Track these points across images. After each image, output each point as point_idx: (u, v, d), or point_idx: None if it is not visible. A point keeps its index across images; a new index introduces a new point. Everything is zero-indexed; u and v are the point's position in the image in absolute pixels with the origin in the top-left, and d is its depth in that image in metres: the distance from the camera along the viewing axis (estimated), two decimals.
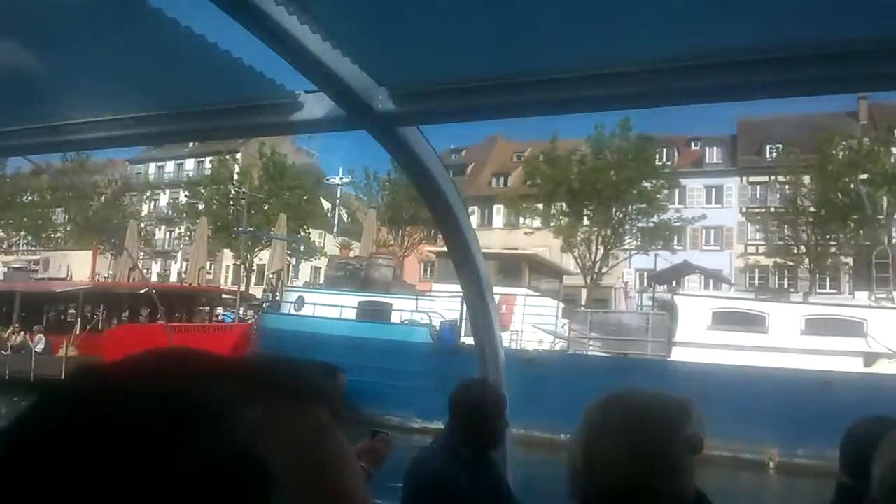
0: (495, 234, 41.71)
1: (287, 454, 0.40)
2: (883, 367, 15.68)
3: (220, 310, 29.08)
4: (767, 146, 43.30)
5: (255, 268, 39.26)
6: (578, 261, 33.90)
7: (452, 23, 1.93)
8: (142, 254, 49.12)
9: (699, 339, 16.99)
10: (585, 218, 33.31)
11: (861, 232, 26.61)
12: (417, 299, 19.51)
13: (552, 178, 32.72)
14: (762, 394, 15.14)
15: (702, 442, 1.41)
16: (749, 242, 40.74)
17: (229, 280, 45.87)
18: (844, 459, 2.29)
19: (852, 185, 26.79)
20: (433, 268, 24.70)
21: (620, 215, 33.12)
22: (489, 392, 2.90)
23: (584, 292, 32.36)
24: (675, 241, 40.10)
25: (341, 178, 36.07)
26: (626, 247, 34.09)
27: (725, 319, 17.12)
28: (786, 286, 32.09)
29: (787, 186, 31.29)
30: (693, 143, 45.96)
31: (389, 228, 39.88)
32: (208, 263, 51.05)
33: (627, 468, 1.34)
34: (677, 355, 17.12)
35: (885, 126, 43.93)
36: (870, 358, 15.87)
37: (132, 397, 0.40)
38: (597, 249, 33.63)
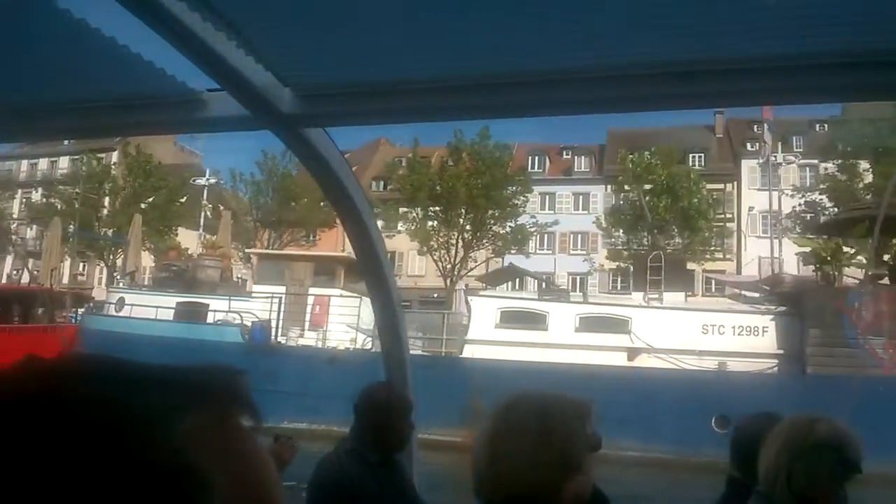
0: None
1: (216, 463, 0.39)
2: (643, 361, 17.08)
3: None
4: (630, 155, 45.61)
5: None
6: (439, 263, 34.95)
7: (361, 25, 1.90)
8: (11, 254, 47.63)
9: (488, 337, 18.06)
10: (445, 222, 34.30)
11: (645, 236, 28.88)
12: (230, 300, 19.87)
13: (412, 183, 33.60)
14: (535, 387, 16.23)
15: (601, 440, 1.46)
16: (612, 247, 42.76)
17: (103, 282, 44.82)
18: (733, 455, 2.42)
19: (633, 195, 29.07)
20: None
21: (479, 220, 34.24)
22: (394, 395, 2.90)
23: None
24: (538, 245, 41.85)
25: (207, 179, 35.94)
26: (484, 250, 35.28)
27: (511, 318, 18.23)
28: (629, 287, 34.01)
29: (630, 194, 33.20)
30: (565, 152, 47.81)
31: (264, 229, 40.01)
32: (82, 265, 49.89)
33: (532, 468, 1.36)
34: (469, 352, 18.13)
35: (739, 139, 47.03)
36: (632, 352, 17.25)
37: (62, 407, 0.38)
38: (456, 253, 34.69)
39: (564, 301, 19.14)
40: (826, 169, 32.93)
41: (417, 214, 34.45)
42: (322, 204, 46.59)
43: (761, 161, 43.78)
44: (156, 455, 0.38)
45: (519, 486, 1.36)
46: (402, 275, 38.76)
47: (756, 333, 16.70)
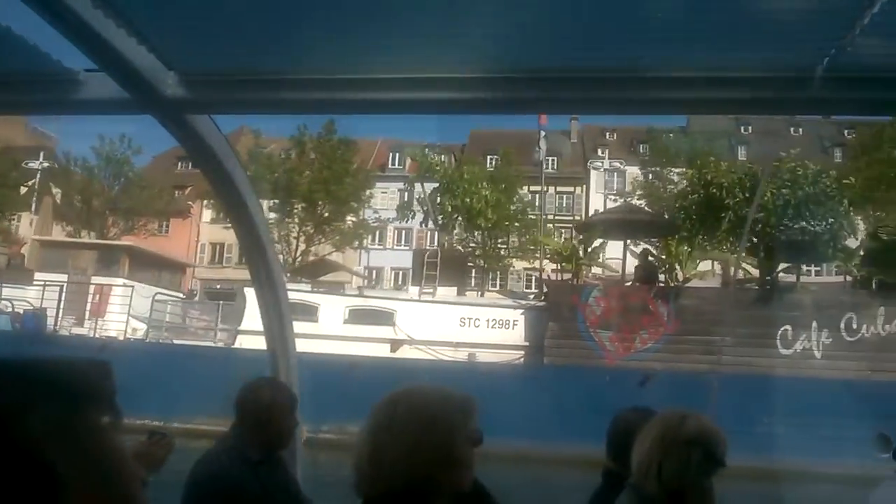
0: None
1: (69, 459, 0.38)
2: (404, 353, 17.71)
3: None
4: (489, 157, 46.85)
5: None
6: (282, 255, 34.83)
7: (254, 11, 1.80)
8: None
9: (261, 328, 18.23)
10: (285, 215, 34.20)
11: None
12: (1, 287, 19.25)
13: (251, 173, 33.31)
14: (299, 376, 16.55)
15: (482, 436, 1.47)
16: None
17: None
18: (609, 447, 2.48)
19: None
20: None
21: (319, 215, 34.31)
22: (279, 391, 2.79)
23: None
24: (395, 241, 42.44)
25: (41, 164, 34.53)
26: (327, 243, 35.40)
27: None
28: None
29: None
30: (427, 150, 48.46)
31: (108, 217, 38.71)
32: None
33: (413, 463, 1.37)
34: (242, 343, 18.28)
35: (592, 145, 49.14)
36: (395, 344, 17.86)
37: None
38: (297, 246, 34.67)
39: (335, 293, 19.58)
40: (646, 175, 34.94)
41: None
42: (177, 194, 45.85)
43: (600, 167, 46.17)
44: (6, 451, 0.37)
45: (399, 482, 1.37)
46: (231, 266, 38.57)
47: (507, 326, 17.63)
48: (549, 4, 1.99)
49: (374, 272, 43.28)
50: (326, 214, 34.25)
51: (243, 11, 1.89)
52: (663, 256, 19.41)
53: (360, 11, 1.87)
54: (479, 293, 24.17)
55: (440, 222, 25.58)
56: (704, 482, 2.00)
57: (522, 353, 17.38)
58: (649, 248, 17.65)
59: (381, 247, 42.39)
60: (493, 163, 45.09)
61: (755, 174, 15.73)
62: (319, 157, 33.73)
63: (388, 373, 16.82)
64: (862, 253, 16.73)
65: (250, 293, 19.13)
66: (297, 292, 19.73)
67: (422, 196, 24.68)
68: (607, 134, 49.11)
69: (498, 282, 34.22)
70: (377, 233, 43.38)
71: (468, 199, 23.93)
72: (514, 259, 32.04)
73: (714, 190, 15.52)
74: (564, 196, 46.07)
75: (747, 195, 15.39)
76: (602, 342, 16.43)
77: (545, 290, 18.35)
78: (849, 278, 16.83)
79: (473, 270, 32.47)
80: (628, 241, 18.65)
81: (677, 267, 18.91)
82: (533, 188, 46.78)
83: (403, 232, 43.22)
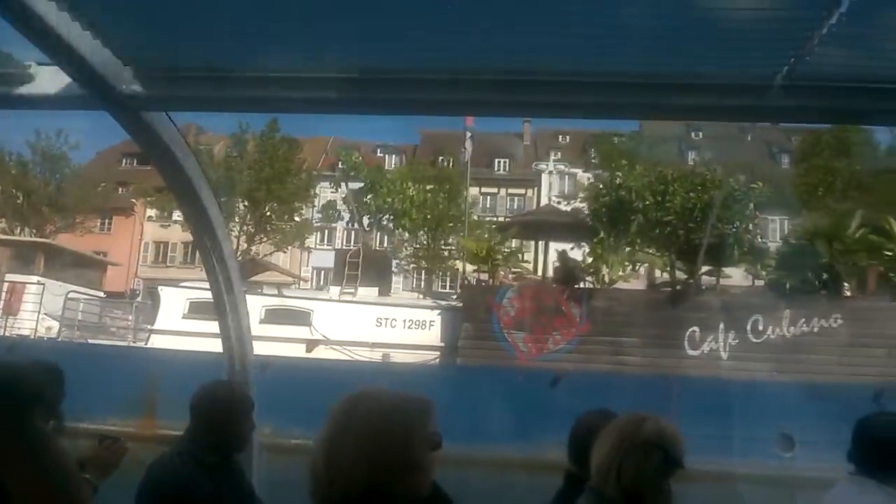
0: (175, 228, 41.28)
1: (8, 466, 0.33)
2: (320, 353, 17.54)
3: None
4: (440, 157, 46.85)
5: None
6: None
7: (213, 6, 1.77)
8: None
9: (176, 327, 17.94)
10: (227, 214, 33.76)
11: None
12: None
13: None
14: (206, 377, 16.28)
15: (441, 439, 1.45)
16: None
17: None
18: (570, 450, 2.49)
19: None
20: None
21: (260, 214, 33.96)
22: (235, 394, 2.78)
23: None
24: (345, 241, 42.13)
25: None
26: (269, 243, 35.05)
27: (199, 309, 18.20)
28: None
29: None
30: (379, 151, 48.36)
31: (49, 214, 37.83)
32: None
33: (369, 468, 1.35)
34: (155, 343, 17.95)
35: (545, 147, 49.43)
36: (311, 344, 17.68)
37: None
38: (238, 245, 34.22)
39: (253, 293, 19.31)
40: (589, 178, 35.19)
41: None
42: (121, 191, 44.99)
43: (544, 169, 46.42)
44: None
45: (356, 487, 1.34)
46: (175, 265, 38.03)
47: (424, 327, 17.56)
48: (512, 8, 1.98)
49: (322, 272, 43.04)
50: (269, 213, 33.90)
51: (202, 8, 1.85)
52: (591, 259, 19.57)
53: (318, 10, 1.85)
54: (422, 295, 24.06)
55: (366, 222, 25.44)
56: (663, 484, 2.01)
57: (438, 353, 17.32)
58: (566, 250, 17.71)
59: (329, 247, 42.07)
60: (445, 164, 45.33)
61: (665, 178, 15.86)
62: (260, 156, 33.39)
63: (300, 373, 16.66)
64: (778, 256, 17.01)
65: (165, 292, 18.87)
66: (209, 291, 19.47)
67: (346, 196, 24.47)
68: (560, 137, 49.46)
69: (448, 284, 34.27)
70: (325, 233, 43.19)
71: (390, 199, 23.82)
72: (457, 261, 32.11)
73: (623, 193, 15.62)
74: (516, 198, 46.26)
75: (658, 198, 15.51)
76: (515, 343, 16.43)
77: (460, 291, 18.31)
78: (759, 282, 17.10)
79: (419, 272, 32.55)
80: (548, 242, 18.73)
81: (605, 269, 19.07)
82: (485, 189, 47.11)
83: (353, 232, 43.06)
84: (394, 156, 47.10)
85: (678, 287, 17.07)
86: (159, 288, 18.75)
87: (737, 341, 15.90)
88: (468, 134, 24.16)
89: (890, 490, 2.60)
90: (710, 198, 15.47)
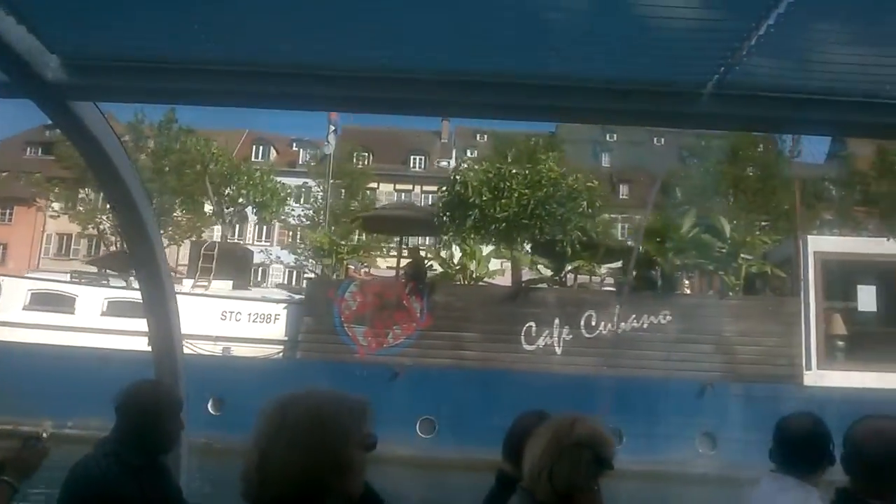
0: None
1: None
2: None
3: None
4: (356, 153, 46.68)
5: None
6: (115, 247, 33.55)
7: None
8: None
9: (16, 319, 17.44)
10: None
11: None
12: None
13: (77, 162, 31.98)
14: (41, 370, 15.84)
15: (375, 440, 1.42)
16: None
17: None
18: (504, 449, 2.48)
19: None
20: None
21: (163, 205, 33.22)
22: (162, 393, 2.71)
23: None
24: (256, 236, 41.63)
25: None
26: (164, 235, 34.33)
27: (40, 301, 17.75)
28: None
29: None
30: (294, 145, 47.93)
31: None
32: None
33: (303, 470, 1.31)
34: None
35: (462, 145, 49.67)
36: None
37: None
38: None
39: (94, 285, 18.94)
40: None
41: (87, 195, 32.92)
42: (23, 181, 43.55)
43: (446, 167, 46.61)
44: None
45: (289, 488, 1.31)
46: (81, 258, 36.95)
47: (269, 321, 17.43)
48: (450, 9, 1.98)
49: (261, 269, 42.36)
50: (166, 206, 33.22)
51: None
52: (458, 255, 19.72)
53: (249, 2, 1.84)
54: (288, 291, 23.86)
55: (226, 214, 25.17)
56: (593, 484, 2.01)
57: (281, 347, 17.22)
58: (417, 246, 17.79)
59: (241, 241, 41.50)
60: (360, 160, 45.19)
61: (504, 174, 16.06)
62: (156, 147, 32.76)
63: (138, 366, 16.37)
64: (612, 254, 17.39)
65: (5, 283, 18.31)
66: (52, 282, 19.01)
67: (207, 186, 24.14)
68: (478, 136, 49.76)
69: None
70: (237, 226, 42.48)
71: (245, 191, 23.62)
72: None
73: (460, 188, 15.77)
74: (430, 195, 46.31)
75: (496, 194, 15.68)
76: (355, 337, 16.44)
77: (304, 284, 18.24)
78: (594, 278, 17.46)
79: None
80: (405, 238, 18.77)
81: (471, 265, 19.23)
82: (400, 186, 47.10)
83: (264, 228, 42.56)
84: (308, 150, 46.66)
85: (523, 284, 17.32)
86: (1, 279, 18.18)
87: (571, 336, 16.21)
88: (331, 128, 24.03)
89: (808, 486, 2.68)
90: (546, 195, 15.70)
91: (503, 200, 15.45)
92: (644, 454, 15.20)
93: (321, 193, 30.12)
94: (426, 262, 18.05)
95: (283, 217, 27.44)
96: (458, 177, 16.32)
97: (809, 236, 16.30)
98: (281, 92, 2.19)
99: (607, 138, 49.95)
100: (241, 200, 24.28)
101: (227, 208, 25.17)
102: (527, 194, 15.51)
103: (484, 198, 15.44)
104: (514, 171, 15.90)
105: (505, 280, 20.73)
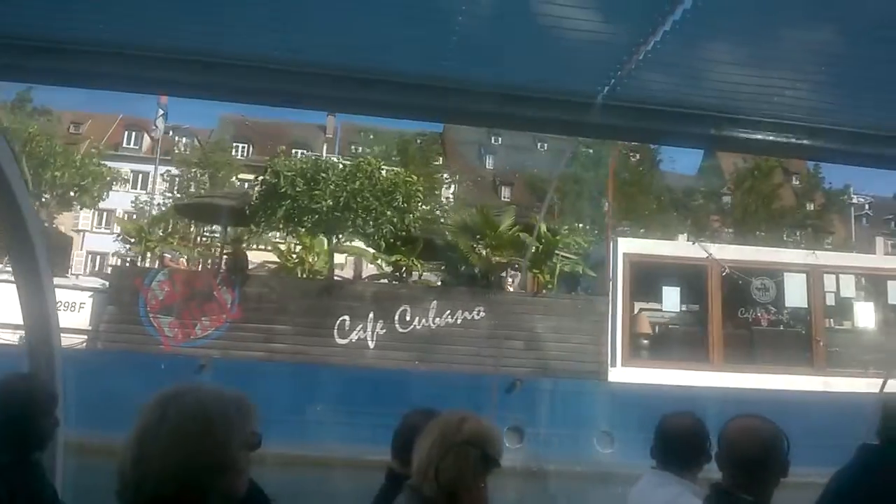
0: None
1: None
2: None
3: None
4: (237, 144, 45.65)
5: None
6: None
7: None
8: None
9: None
10: None
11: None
12: None
13: None
14: None
15: (260, 439, 1.39)
16: None
17: None
18: (394, 447, 2.64)
19: None
20: None
21: None
22: (35, 387, 2.65)
23: None
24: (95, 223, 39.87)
25: None
26: None
27: None
28: None
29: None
30: (171, 132, 46.22)
31: None
32: None
33: (182, 469, 1.28)
34: None
35: (346, 141, 49.32)
36: None
37: None
38: None
39: None
40: None
41: None
42: None
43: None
44: None
45: (168, 488, 1.27)
46: None
47: (74, 309, 16.54)
48: (351, 7, 1.97)
49: (99, 257, 40.52)
50: None
51: None
52: (298, 247, 19.33)
53: None
54: None
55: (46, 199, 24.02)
56: (480, 482, 2.00)
57: (85, 337, 16.37)
58: (238, 237, 17.31)
59: (108, 231, 39.72)
60: (239, 150, 44.15)
61: (319, 166, 15.84)
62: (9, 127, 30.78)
63: (11, 359, 15.26)
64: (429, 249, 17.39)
65: None
66: None
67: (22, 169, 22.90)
68: (362, 133, 49.50)
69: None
70: (104, 215, 40.67)
71: (58, 174, 22.61)
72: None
73: (272, 178, 15.44)
74: None
75: (311, 184, 15.41)
76: (161, 328, 15.81)
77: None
78: (427, 275, 17.51)
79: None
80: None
81: (310, 259, 18.86)
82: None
83: (105, 213, 40.85)
84: (184, 138, 45.16)
85: (365, 279, 17.13)
86: None
87: (384, 331, 16.12)
88: (159, 111, 23.24)
89: (686, 482, 2.79)
90: (360, 187, 15.57)
91: (317, 192, 15.19)
92: None
93: (179, 180, 28.99)
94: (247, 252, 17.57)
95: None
96: (270, 166, 15.96)
97: (620, 238, 16.83)
98: (159, 77, 2.17)
99: (492, 141, 50.67)
100: (60, 184, 23.06)
101: (47, 193, 23.88)
102: (343, 186, 15.31)
103: (298, 188, 15.13)
104: (334, 161, 15.67)
105: (348, 275, 20.58)
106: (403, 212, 15.79)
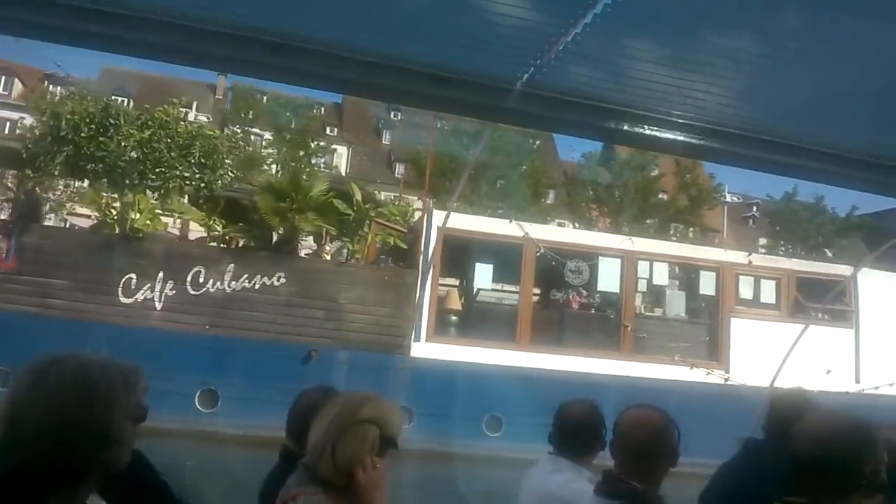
0: None
1: None
2: None
3: None
4: (117, 97, 43.32)
5: None
6: None
7: None
8: None
9: None
10: None
11: None
12: None
13: None
14: None
15: (146, 410, 1.37)
16: None
17: None
18: (289, 426, 2.72)
19: None
20: None
21: None
22: None
23: None
24: None
25: None
26: None
27: None
28: None
29: None
30: (46, 81, 43.72)
31: None
32: None
33: (58, 438, 1.23)
34: None
35: (238, 108, 47.68)
36: None
37: None
38: None
39: None
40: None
41: None
42: None
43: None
44: None
45: (41, 459, 1.21)
46: None
47: None
48: None
49: None
50: None
51: None
52: (116, 204, 18.11)
53: None
54: None
55: None
56: (377, 462, 1.99)
57: None
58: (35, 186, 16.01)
59: None
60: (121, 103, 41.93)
61: (109, 111, 14.72)
62: None
63: None
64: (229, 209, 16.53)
65: None
66: None
67: None
68: (258, 95, 47.98)
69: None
70: None
71: None
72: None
73: (50, 120, 14.25)
74: None
75: (101, 131, 14.29)
76: None
77: None
78: (213, 233, 16.65)
79: None
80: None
81: (133, 215, 17.66)
82: None
83: None
84: (59, 87, 42.62)
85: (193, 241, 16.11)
86: None
87: (174, 292, 15.23)
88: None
89: (579, 468, 2.91)
90: (151, 136, 14.56)
91: (103, 139, 14.09)
92: (241, 417, 14.67)
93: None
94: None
95: None
96: (49, 108, 14.75)
97: (435, 210, 16.37)
98: (44, 24, 2.07)
99: (391, 116, 49.85)
100: None
101: None
102: (133, 134, 14.25)
103: (82, 134, 13.98)
104: (126, 108, 14.57)
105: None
106: (203, 167, 14.86)
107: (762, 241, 43.68)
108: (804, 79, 2.52)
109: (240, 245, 15.99)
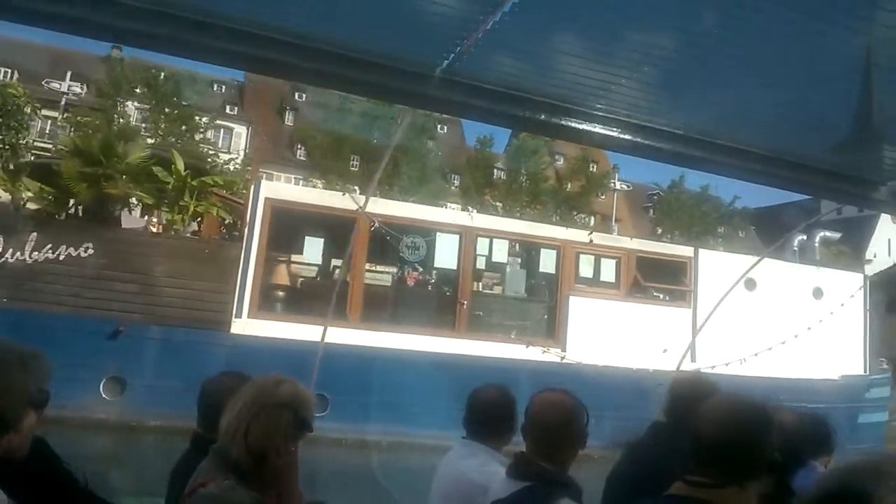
0: None
1: None
2: None
3: None
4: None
5: None
6: None
7: None
8: None
9: None
10: None
11: None
12: None
13: None
14: None
15: (48, 397, 1.41)
16: None
17: None
18: (200, 412, 2.71)
19: None
20: None
21: None
22: None
23: None
24: None
25: None
26: None
27: None
28: None
29: None
30: None
31: None
32: None
33: None
34: None
35: (118, 80, 45.79)
36: None
37: None
38: None
39: None
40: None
41: None
42: None
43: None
44: None
45: None
46: None
47: None
48: None
49: None
50: None
51: None
52: None
53: None
54: None
55: None
56: (291, 445, 1.98)
57: None
58: None
59: None
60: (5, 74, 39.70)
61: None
62: None
63: None
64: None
65: None
66: None
67: None
68: (154, 70, 46.19)
69: None
70: None
71: None
72: None
73: None
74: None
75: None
76: None
77: None
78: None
79: None
80: None
81: None
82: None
83: None
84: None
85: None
86: None
87: None
88: None
89: (493, 451, 3.03)
90: None
91: None
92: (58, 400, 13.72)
93: None
94: None
95: None
96: None
97: (263, 182, 15.70)
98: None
99: (296, 97, 48.71)
100: None
101: None
102: None
103: None
104: None
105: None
106: (7, 128, 13.80)
107: (659, 230, 44.53)
108: (719, 77, 2.56)
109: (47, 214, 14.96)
